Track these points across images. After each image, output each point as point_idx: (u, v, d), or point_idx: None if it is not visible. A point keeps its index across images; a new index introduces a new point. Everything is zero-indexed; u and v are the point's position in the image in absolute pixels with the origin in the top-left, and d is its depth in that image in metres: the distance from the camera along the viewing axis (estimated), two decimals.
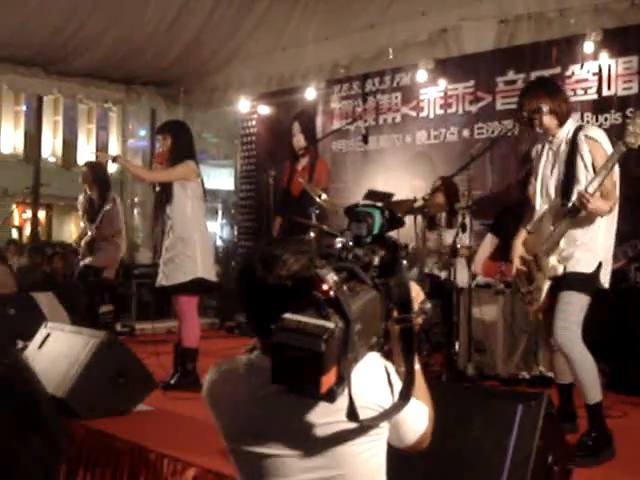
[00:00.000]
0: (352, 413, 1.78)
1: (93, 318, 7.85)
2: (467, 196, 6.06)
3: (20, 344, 6.01)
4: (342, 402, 1.76)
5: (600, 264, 4.05)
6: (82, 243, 8.01)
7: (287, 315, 1.68)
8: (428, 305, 2.03)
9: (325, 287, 1.69)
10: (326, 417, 1.90)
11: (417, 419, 2.06)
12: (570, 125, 4.19)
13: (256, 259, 1.95)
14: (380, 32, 8.46)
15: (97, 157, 6.57)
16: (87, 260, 7.86)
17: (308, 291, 1.72)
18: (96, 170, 8.15)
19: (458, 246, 6.05)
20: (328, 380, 1.65)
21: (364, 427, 1.91)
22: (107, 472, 4.22)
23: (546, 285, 4.09)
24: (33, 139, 11.68)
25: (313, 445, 1.93)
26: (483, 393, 3.60)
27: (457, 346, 5.94)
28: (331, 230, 6.43)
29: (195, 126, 11.33)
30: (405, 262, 1.93)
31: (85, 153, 12.13)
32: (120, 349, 5.01)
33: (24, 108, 12.05)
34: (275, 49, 9.52)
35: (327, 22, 8.81)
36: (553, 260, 4.05)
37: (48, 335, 5.24)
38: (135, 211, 11.74)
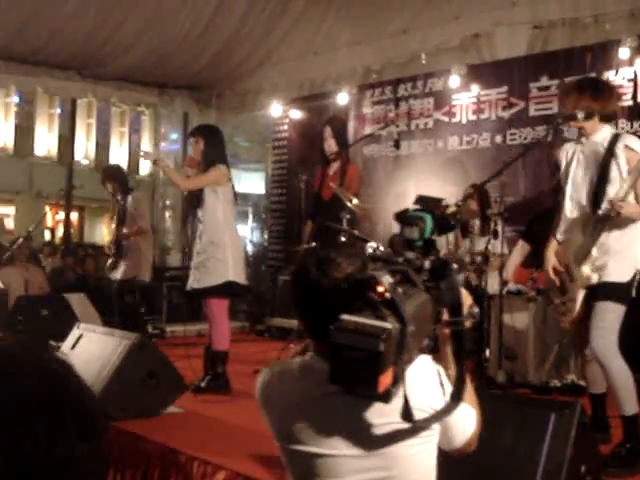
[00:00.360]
0: (407, 414, 1.82)
1: (138, 320, 7.89)
2: (499, 203, 6.03)
3: (53, 345, 6.07)
4: (397, 403, 1.79)
5: (636, 272, 4.00)
6: (111, 246, 8.05)
7: (345, 316, 1.71)
8: (476, 309, 2.04)
9: (381, 289, 1.73)
10: (381, 418, 1.92)
11: (466, 422, 2.07)
12: (605, 132, 4.10)
13: (310, 263, 1.97)
14: (413, 37, 8.45)
15: (143, 156, 6.52)
16: (118, 273, 7.82)
17: (363, 293, 1.76)
18: (111, 173, 8.21)
19: (490, 253, 6.03)
20: (385, 380, 1.68)
21: (417, 428, 1.93)
22: (137, 473, 4.24)
23: (580, 295, 4.03)
24: (67, 142, 11.79)
25: (367, 446, 1.95)
26: (515, 401, 3.56)
27: (488, 353, 5.91)
28: (362, 235, 6.43)
29: (227, 130, 11.38)
30: (455, 266, 1.95)
31: (118, 156, 12.21)
32: (152, 351, 5.04)
33: (58, 111, 12.16)
34: (307, 54, 9.55)
35: (359, 27, 8.82)
36: (586, 269, 3.99)
37: (81, 336, 5.29)
38: (166, 214, 11.80)
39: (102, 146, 12.55)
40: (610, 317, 3.95)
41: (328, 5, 8.92)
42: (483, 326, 5.95)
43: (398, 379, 1.72)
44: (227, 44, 9.56)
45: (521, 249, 6.49)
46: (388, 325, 1.67)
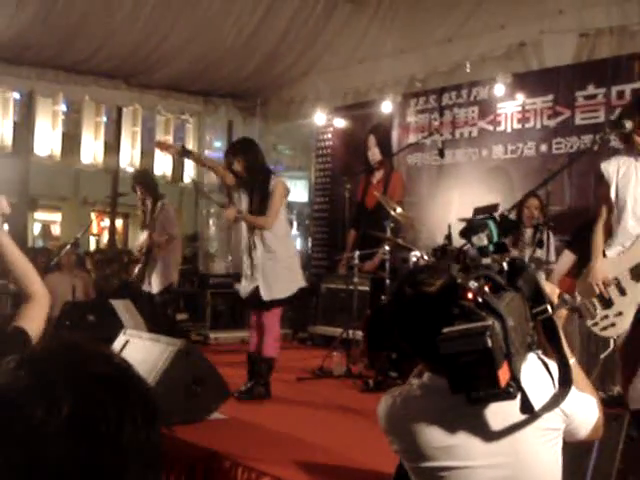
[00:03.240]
0: (526, 405, 1.88)
1: (171, 327, 7.96)
2: (545, 212, 5.99)
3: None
4: (514, 403, 1.86)
5: None
6: (140, 254, 8.10)
7: (446, 329, 1.80)
8: (566, 296, 2.14)
9: (470, 295, 1.83)
10: (505, 420, 1.97)
11: (587, 411, 2.12)
12: None
13: (404, 284, 2.08)
14: (457, 46, 8.43)
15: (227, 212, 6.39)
16: (154, 286, 7.88)
17: (456, 302, 1.85)
18: (140, 176, 8.28)
19: (536, 262, 5.99)
20: (504, 374, 1.76)
21: (541, 428, 1.98)
22: (182, 479, 4.28)
23: (632, 311, 3.96)
24: (112, 149, 11.89)
25: (495, 452, 1.99)
26: None
27: None
28: (406, 244, 6.43)
29: (270, 138, 11.48)
30: (529, 262, 2.04)
31: (162, 163, 12.32)
32: (197, 357, 5.08)
33: (104, 119, 12.30)
34: (352, 62, 9.57)
35: (404, 35, 8.82)
36: None
37: (127, 342, 5.35)
38: (210, 221, 11.90)
39: (147, 154, 12.65)
40: None
41: (373, 14, 8.94)
42: None
43: (515, 373, 1.79)
44: (272, 53, 9.62)
45: (567, 259, 6.42)
46: (489, 322, 1.76)
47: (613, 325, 4.04)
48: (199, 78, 10.49)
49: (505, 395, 1.80)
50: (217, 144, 12.17)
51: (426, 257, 5.50)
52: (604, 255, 4.21)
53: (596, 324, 4.15)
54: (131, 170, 11.82)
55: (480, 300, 1.82)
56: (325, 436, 4.63)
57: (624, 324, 3.99)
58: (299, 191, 11.85)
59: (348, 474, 3.95)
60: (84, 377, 1.05)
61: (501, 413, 1.96)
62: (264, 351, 5.88)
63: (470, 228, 2.12)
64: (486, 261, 2.03)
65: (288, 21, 9.00)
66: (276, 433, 4.74)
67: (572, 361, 2.12)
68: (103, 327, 6.83)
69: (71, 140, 12.59)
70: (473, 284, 1.85)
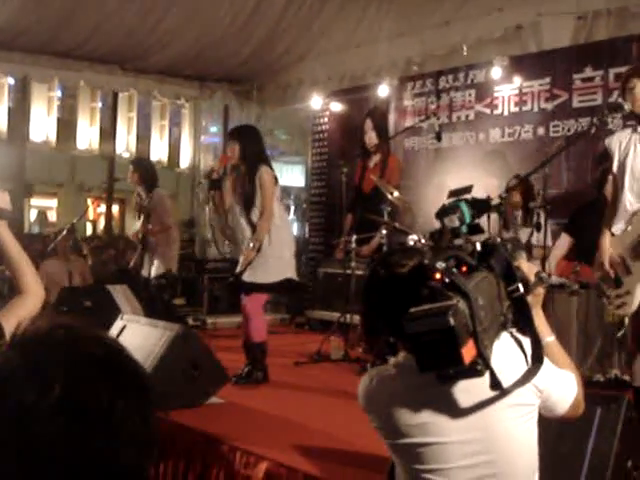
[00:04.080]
0: (494, 382, 1.92)
1: (169, 312, 7.95)
2: (542, 195, 5.97)
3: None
4: (485, 378, 1.90)
5: None
6: (136, 241, 8.08)
7: (413, 309, 1.85)
8: (543, 274, 2.18)
9: (438, 275, 1.88)
10: (475, 397, 2.02)
11: (564, 387, 2.17)
12: None
13: (378, 266, 2.16)
14: (454, 29, 8.38)
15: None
16: (152, 270, 7.88)
17: (424, 283, 1.91)
18: (141, 167, 8.24)
19: (533, 245, 5.99)
20: (468, 352, 1.80)
21: (513, 404, 2.03)
22: (180, 463, 4.28)
23: (639, 289, 3.94)
24: (108, 135, 11.87)
25: (468, 428, 2.05)
26: None
27: None
28: (402, 227, 6.41)
29: (267, 123, 11.43)
30: (500, 240, 2.07)
31: (158, 149, 12.29)
32: (195, 342, 5.07)
33: (100, 105, 12.27)
34: (348, 46, 9.52)
35: (401, 19, 8.77)
36: None
37: (124, 327, 5.34)
38: (207, 207, 11.86)
39: (143, 139, 12.63)
40: None
41: None
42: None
43: (481, 351, 1.82)
44: (268, 37, 9.57)
45: (564, 242, 6.42)
46: (453, 301, 1.80)
47: (625, 304, 4.02)
48: (195, 63, 10.44)
49: (472, 372, 1.84)
50: (213, 129, 12.14)
51: (423, 240, 5.49)
52: (612, 234, 4.18)
53: (611, 303, 4.14)
54: (127, 155, 11.80)
55: (447, 280, 1.86)
56: (323, 420, 4.63)
57: (634, 303, 3.97)
58: (296, 176, 11.87)
59: (346, 457, 3.95)
60: (76, 358, 1.04)
61: (472, 390, 2.00)
62: (252, 337, 5.88)
63: (443, 210, 2.17)
64: (459, 242, 2.08)
65: (284, 5, 8.94)
66: (274, 417, 4.74)
67: (551, 339, 2.23)
68: (100, 312, 6.81)
69: (67, 126, 12.57)
70: (441, 265, 1.90)
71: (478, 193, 6.71)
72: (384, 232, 6.50)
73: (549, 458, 2.86)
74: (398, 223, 6.53)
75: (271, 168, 6.01)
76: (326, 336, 6.82)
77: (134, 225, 8.24)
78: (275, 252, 5.85)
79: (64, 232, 8.90)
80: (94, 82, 10.84)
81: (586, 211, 6.02)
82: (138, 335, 5.12)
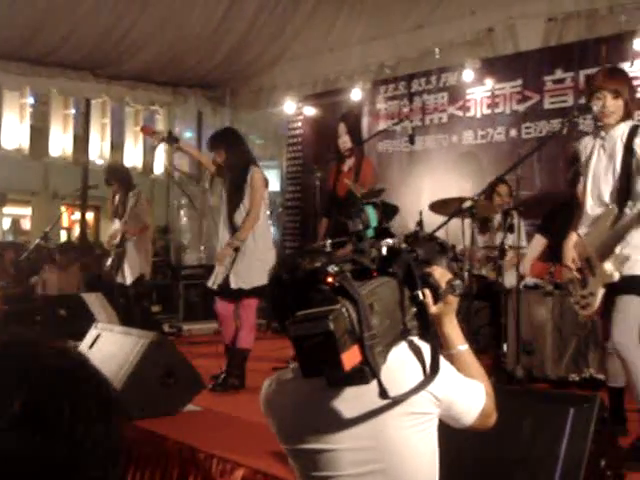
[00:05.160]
0: (382, 391, 1.87)
1: (148, 319, 7.92)
2: (515, 197, 6.01)
3: (71, 344, 6.09)
4: (374, 385, 1.85)
5: None
6: (113, 245, 8.02)
7: (299, 312, 1.80)
8: (457, 282, 2.09)
9: (329, 279, 1.84)
10: (365, 405, 1.98)
11: (470, 397, 2.10)
12: (624, 126, 4.04)
13: (281, 267, 2.15)
14: (427, 32, 8.42)
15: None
16: (127, 277, 7.83)
17: (315, 286, 1.88)
18: (115, 171, 8.23)
19: (506, 247, 6.02)
20: (350, 358, 1.74)
21: (407, 412, 1.97)
22: (157, 472, 4.26)
23: (600, 291, 3.99)
24: (81, 142, 11.78)
25: (358, 436, 2.00)
26: (533, 396, 3.55)
27: (505, 348, 5.89)
28: None
29: (241, 127, 11.36)
30: (406, 246, 2.07)
31: (132, 155, 12.23)
32: (169, 349, 5.06)
33: (72, 112, 12.18)
34: (321, 50, 9.53)
35: (373, 23, 8.79)
36: (608, 266, 3.94)
37: (98, 335, 5.31)
38: (181, 212, 11.83)
39: (117, 146, 12.55)
40: (633, 310, 3.92)
41: (341, 1, 8.89)
42: (501, 321, 5.94)
43: (368, 357, 1.77)
44: (240, 42, 9.56)
45: (538, 243, 6.46)
46: (337, 306, 1.76)
47: (588, 305, 4.07)
48: (167, 69, 10.41)
49: (358, 379, 1.80)
50: (187, 134, 12.07)
51: (396, 242, 5.49)
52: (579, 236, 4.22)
53: (577, 303, 4.18)
54: (101, 162, 11.72)
55: (337, 284, 1.83)
56: None
57: (595, 304, 4.02)
58: (271, 180, 11.82)
59: None
60: (37, 371, 1.03)
61: (363, 397, 1.96)
62: (238, 343, 5.87)
63: (348, 213, 2.16)
64: (363, 246, 2.04)
65: (256, 9, 8.93)
66: (251, 424, 4.72)
67: (464, 347, 2.16)
68: (75, 321, 6.78)
69: (39, 133, 12.45)
70: (333, 268, 1.86)
71: (452, 195, 6.76)
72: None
73: (524, 458, 2.88)
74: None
75: (259, 168, 6.07)
76: None
77: (110, 229, 8.18)
78: (259, 255, 5.85)
79: (37, 240, 8.84)
80: (66, 89, 10.76)
81: (559, 212, 6.05)
82: (112, 343, 5.09)
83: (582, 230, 4.17)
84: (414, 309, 2.00)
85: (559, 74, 7.26)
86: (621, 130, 4.04)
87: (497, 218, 6.63)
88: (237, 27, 9.19)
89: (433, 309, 2.07)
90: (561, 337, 5.90)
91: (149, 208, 8.30)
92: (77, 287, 9.00)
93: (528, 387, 5.47)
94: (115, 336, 5.20)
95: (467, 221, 6.05)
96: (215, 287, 6.04)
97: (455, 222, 5.53)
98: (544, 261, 6.29)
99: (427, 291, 2.04)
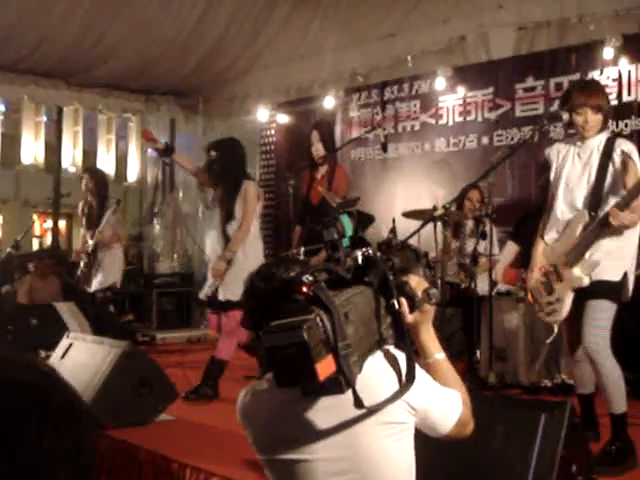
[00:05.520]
0: (357, 401, 1.85)
1: (117, 326, 7.87)
2: (487, 204, 6.05)
3: (43, 354, 6.05)
4: (349, 394, 1.83)
5: (626, 273, 4.02)
6: (84, 254, 7.94)
7: (273, 323, 1.79)
8: (433, 290, 2.09)
9: (304, 288, 1.82)
10: (340, 415, 1.97)
11: (446, 406, 2.09)
12: (601, 135, 4.11)
13: (256, 276, 2.14)
14: (399, 40, 8.47)
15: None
16: (96, 283, 7.79)
17: (289, 296, 1.87)
18: (97, 176, 8.18)
19: (479, 254, 6.06)
20: (324, 368, 1.73)
21: (383, 422, 1.97)
22: None
23: (569, 297, 4.03)
24: (53, 149, 11.72)
25: (334, 446, 2.00)
26: (505, 402, 3.57)
27: (478, 354, 5.92)
28: None
29: (214, 135, 11.36)
30: (381, 254, 2.06)
31: (105, 163, 12.19)
32: (142, 359, 5.04)
33: (44, 119, 12.13)
34: (294, 58, 9.54)
35: (345, 31, 8.82)
36: (577, 272, 3.99)
37: (70, 345, 5.27)
38: (154, 220, 11.78)
39: (89, 153, 12.51)
40: (603, 315, 3.96)
41: (314, 9, 8.92)
42: (473, 327, 5.97)
43: (342, 367, 1.76)
44: (213, 49, 9.55)
45: (510, 250, 6.51)
46: (310, 316, 1.75)
47: (555, 311, 4.11)
48: (139, 76, 10.37)
49: (333, 389, 1.80)
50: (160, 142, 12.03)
51: (371, 251, 5.51)
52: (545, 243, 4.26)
53: (542, 310, 4.21)
54: (73, 170, 11.68)
55: (311, 294, 1.82)
56: None
57: (563, 310, 4.06)
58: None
59: None
60: (3, 384, 1.03)
61: (338, 407, 1.96)
62: (217, 353, 5.86)
63: (323, 222, 2.15)
64: (338, 255, 2.04)
65: (229, 17, 8.93)
66: (224, 433, 4.71)
67: (441, 356, 2.16)
68: (47, 331, 6.72)
69: (11, 141, 12.38)
70: (308, 278, 1.85)
71: (425, 203, 6.80)
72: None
73: (496, 464, 2.90)
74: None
75: (253, 181, 6.16)
76: None
77: (83, 237, 8.10)
78: (248, 267, 5.81)
79: (8, 249, 8.76)
80: (38, 96, 10.70)
81: (531, 219, 6.08)
82: (85, 353, 5.06)
83: (552, 235, 4.21)
84: (390, 318, 2.00)
85: (530, 82, 7.33)
86: (598, 139, 4.10)
87: (469, 224, 6.67)
88: (210, 35, 9.19)
89: (409, 318, 2.07)
90: (533, 343, 5.95)
91: (124, 219, 8.26)
92: (56, 296, 8.93)
93: (501, 393, 5.51)
94: (87, 345, 5.17)
95: (439, 227, 6.08)
96: (204, 298, 6.05)
97: (428, 229, 5.55)
98: (516, 268, 6.33)
99: (403, 300, 2.04)
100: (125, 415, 4.71)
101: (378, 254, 2.06)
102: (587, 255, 3.98)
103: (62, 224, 16.62)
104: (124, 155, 12.63)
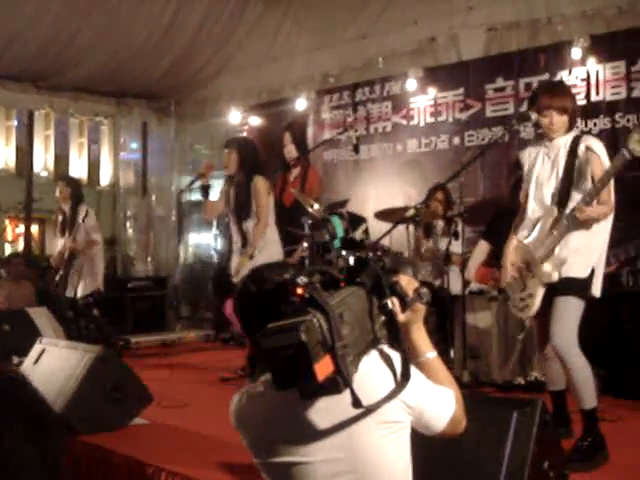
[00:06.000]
0: (355, 400, 1.86)
1: (106, 334, 7.85)
2: (459, 204, 6.09)
3: (15, 360, 6.00)
4: (347, 394, 1.84)
5: (593, 270, 4.07)
6: (60, 260, 7.88)
7: (270, 324, 1.78)
8: (424, 290, 2.11)
9: (299, 290, 1.83)
10: (338, 415, 1.98)
11: (440, 404, 2.11)
12: (568, 135, 4.17)
13: (248, 280, 2.14)
14: (370, 42, 8.50)
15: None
16: (78, 290, 7.75)
17: (285, 298, 1.88)
18: (72, 183, 8.15)
19: (451, 253, 6.09)
20: (323, 369, 1.74)
21: (380, 421, 1.98)
22: None
23: (540, 292, 4.08)
24: (25, 154, 11.62)
25: (332, 447, 2.00)
26: (478, 400, 3.59)
27: (452, 353, 5.96)
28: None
29: (187, 138, 11.37)
30: (372, 255, 2.07)
31: (77, 167, 12.09)
32: (115, 363, 5.01)
33: (15, 123, 12.01)
34: (265, 60, 9.54)
35: (317, 33, 8.85)
36: (547, 267, 4.04)
37: (43, 351, 5.24)
38: (127, 224, 11.72)
39: (61, 158, 12.40)
40: (571, 312, 4.01)
41: (285, 12, 8.93)
42: (447, 326, 6.00)
43: (340, 367, 1.77)
44: (184, 52, 9.53)
45: (482, 249, 6.55)
46: (307, 317, 1.75)
47: (527, 307, 4.15)
48: (111, 79, 10.31)
49: (331, 389, 1.80)
50: (133, 145, 11.99)
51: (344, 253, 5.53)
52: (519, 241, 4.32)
53: (515, 306, 4.26)
54: (45, 175, 11.58)
55: (307, 295, 1.83)
56: None
57: (535, 305, 4.10)
58: (217, 190, 11.83)
59: None
60: None
61: (335, 408, 1.97)
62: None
63: (313, 224, 2.16)
64: (329, 256, 2.05)
65: (200, 20, 8.92)
66: (199, 436, 4.71)
67: (432, 355, 2.19)
68: (20, 336, 6.67)
69: None
70: (302, 280, 1.86)
71: (398, 203, 6.83)
72: (305, 245, 6.53)
73: (469, 462, 2.92)
74: (319, 236, 6.56)
75: (263, 177, 6.28)
76: None
77: (59, 243, 8.05)
78: (264, 260, 5.86)
79: None
80: (8, 100, 10.61)
81: (502, 218, 6.13)
82: (57, 358, 5.03)
83: (523, 233, 4.26)
84: (382, 318, 2.01)
85: (500, 83, 7.38)
86: (565, 138, 4.17)
87: (440, 224, 6.71)
88: (181, 37, 9.17)
89: (401, 317, 2.08)
90: (506, 341, 5.99)
91: (98, 224, 8.20)
92: (29, 301, 8.86)
93: (474, 392, 5.54)
94: (60, 351, 5.14)
95: (411, 228, 6.12)
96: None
97: (400, 230, 5.58)
98: (488, 267, 6.37)
99: (395, 300, 2.05)
100: (99, 420, 4.69)
101: (370, 255, 2.07)
102: (557, 250, 4.03)
103: (35, 229, 16.48)
104: (97, 159, 12.53)
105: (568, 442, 3.95)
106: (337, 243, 2.10)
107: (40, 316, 7.25)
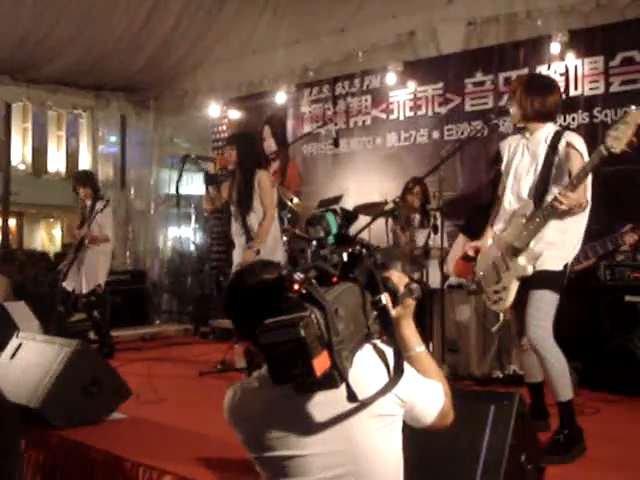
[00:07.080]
0: (350, 394, 1.89)
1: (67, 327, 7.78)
2: (438, 197, 6.10)
3: None
4: (342, 389, 1.86)
5: (567, 264, 4.09)
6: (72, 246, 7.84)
7: (267, 320, 1.80)
8: (414, 285, 2.15)
9: (296, 286, 1.84)
10: (333, 409, 2.01)
11: (430, 397, 2.16)
12: (549, 128, 4.17)
13: (241, 276, 2.17)
14: (350, 35, 8.48)
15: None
16: (83, 287, 7.71)
17: (281, 294, 1.87)
18: (82, 178, 8.12)
19: (430, 247, 6.10)
20: (320, 364, 1.76)
21: (375, 415, 2.02)
22: None
23: (514, 285, 4.10)
24: (2, 147, 11.55)
25: (328, 440, 2.03)
26: (456, 394, 3.60)
27: (431, 347, 5.97)
28: (303, 234, 6.45)
29: (166, 131, 11.32)
30: (368, 250, 2.08)
31: (55, 160, 12.03)
32: (93, 358, 5.00)
33: None
34: (244, 53, 9.51)
35: (296, 26, 8.82)
36: (522, 260, 4.06)
37: (20, 345, 5.20)
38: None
39: (39, 150, 12.34)
40: (545, 305, 4.03)
41: (264, 4, 8.90)
42: (425, 320, 6.01)
43: (336, 362, 1.79)
44: (163, 45, 9.47)
45: (461, 243, 6.56)
46: (305, 313, 1.77)
47: (501, 300, 4.17)
48: (89, 72, 10.24)
49: (328, 384, 1.82)
50: (112, 138, 11.94)
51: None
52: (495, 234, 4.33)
53: (488, 298, 4.27)
54: (23, 167, 11.52)
55: (304, 291, 1.84)
56: (227, 431, 4.60)
57: (508, 299, 4.12)
58: (197, 184, 11.77)
59: (250, 468, 3.94)
60: None
61: (331, 402, 2.00)
62: None
63: (309, 221, 2.17)
64: (324, 252, 2.07)
65: (179, 12, 8.87)
66: (177, 430, 4.70)
67: (421, 349, 2.22)
68: None
69: None
70: (299, 276, 1.87)
71: (377, 197, 6.83)
72: (285, 239, 6.53)
73: (447, 455, 2.93)
74: (298, 229, 6.56)
75: (266, 171, 6.29)
76: (230, 345, 6.80)
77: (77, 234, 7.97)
78: (267, 255, 5.86)
79: None
80: None
81: (481, 212, 6.13)
82: (35, 353, 5.00)
83: (500, 225, 4.28)
84: (375, 313, 2.03)
85: (479, 77, 7.39)
86: (546, 132, 4.16)
87: (417, 217, 6.73)
88: (160, 30, 9.12)
89: (392, 312, 2.11)
90: (485, 335, 6.02)
91: (113, 220, 8.15)
92: (6, 295, 8.79)
93: (453, 385, 5.55)
94: (37, 345, 5.10)
95: (390, 222, 6.13)
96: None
97: (378, 223, 5.59)
98: (467, 261, 6.38)
99: (387, 295, 2.07)
100: (77, 414, 4.67)
101: (363, 251, 2.09)
102: (532, 244, 4.04)
103: (12, 222, 16.39)
104: (75, 152, 12.47)
105: (546, 435, 3.98)
106: (331, 239, 2.10)
107: (18, 310, 7.19)
